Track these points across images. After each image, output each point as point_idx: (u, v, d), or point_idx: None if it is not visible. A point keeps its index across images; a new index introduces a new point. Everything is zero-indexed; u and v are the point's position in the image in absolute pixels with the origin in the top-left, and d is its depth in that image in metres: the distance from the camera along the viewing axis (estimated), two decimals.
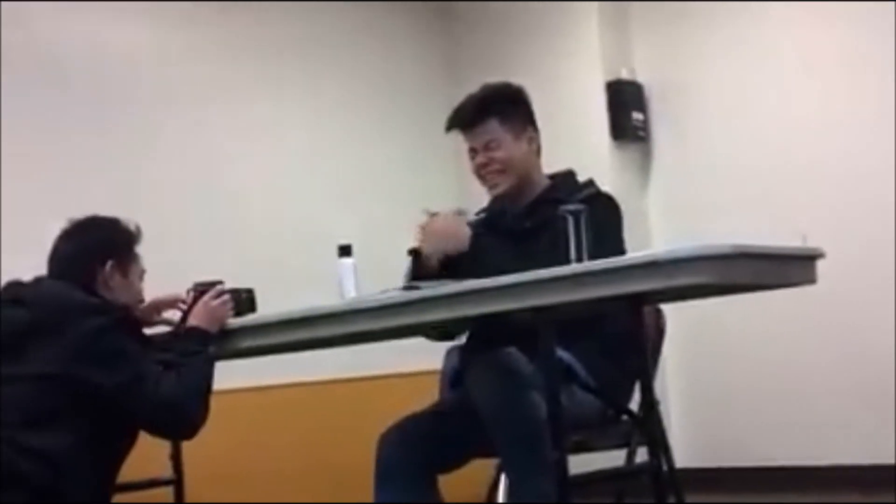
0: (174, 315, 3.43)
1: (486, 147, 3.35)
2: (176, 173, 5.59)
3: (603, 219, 3.12)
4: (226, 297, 3.34)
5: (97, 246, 3.24)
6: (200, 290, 3.35)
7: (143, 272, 3.35)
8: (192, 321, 3.26)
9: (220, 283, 3.39)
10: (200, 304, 3.29)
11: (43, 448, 2.89)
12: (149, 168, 5.49)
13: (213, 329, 3.25)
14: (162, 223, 5.17)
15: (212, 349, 3.20)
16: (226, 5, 5.86)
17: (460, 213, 3.34)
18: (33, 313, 3.04)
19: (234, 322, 3.34)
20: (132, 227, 3.32)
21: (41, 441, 2.89)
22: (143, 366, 3.02)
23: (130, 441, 3.15)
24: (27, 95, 5.16)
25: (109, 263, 3.22)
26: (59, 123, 5.25)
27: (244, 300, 3.45)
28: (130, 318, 3.18)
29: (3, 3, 5.05)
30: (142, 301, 3.37)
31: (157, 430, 3.11)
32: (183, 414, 3.04)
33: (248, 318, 3.34)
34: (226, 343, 3.32)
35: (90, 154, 5.30)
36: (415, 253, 3.23)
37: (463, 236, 3.20)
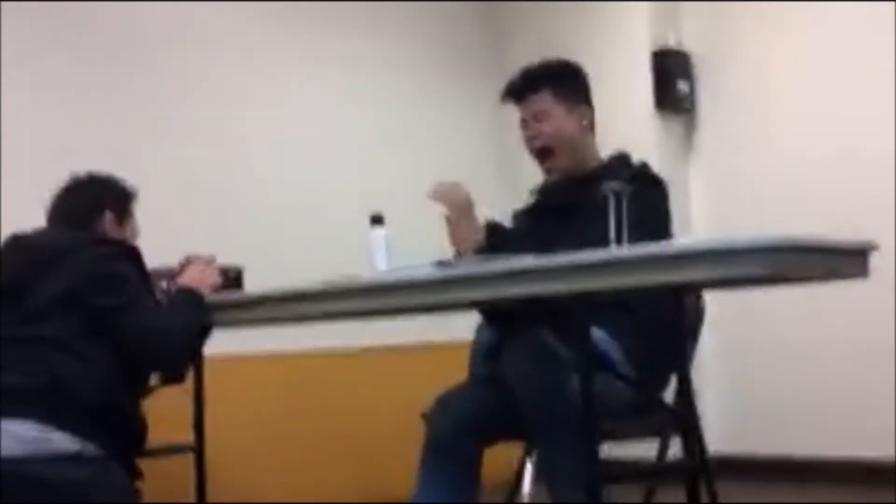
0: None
1: (535, 118, 3.30)
2: (206, 139, 5.48)
3: (649, 200, 3.06)
4: (214, 264, 3.49)
5: (96, 197, 3.37)
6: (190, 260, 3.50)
7: (137, 232, 3.45)
8: (181, 283, 3.38)
9: (212, 257, 3.52)
10: (189, 268, 3.44)
11: (86, 370, 2.94)
12: (192, 141, 5.40)
13: (202, 290, 3.35)
14: (192, 191, 5.19)
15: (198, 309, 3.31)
16: None
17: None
18: (36, 254, 3.13)
19: (261, 291, 3.35)
20: (128, 185, 3.44)
21: (82, 365, 2.95)
22: (142, 293, 3.14)
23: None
24: (72, 59, 5.07)
25: (108, 213, 3.34)
26: (100, 87, 5.16)
27: (231, 277, 3.56)
28: (134, 251, 3.25)
29: None
30: None
31: (142, 354, 3.10)
32: (169, 343, 3.11)
33: (276, 288, 3.27)
34: (247, 311, 3.37)
35: (127, 121, 5.20)
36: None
37: (472, 239, 3.12)
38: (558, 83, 3.31)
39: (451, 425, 3.13)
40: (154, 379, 3.32)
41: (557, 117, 3.28)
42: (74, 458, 2.82)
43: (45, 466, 2.78)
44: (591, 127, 3.36)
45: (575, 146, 3.30)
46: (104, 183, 3.41)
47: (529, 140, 3.33)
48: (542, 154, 3.31)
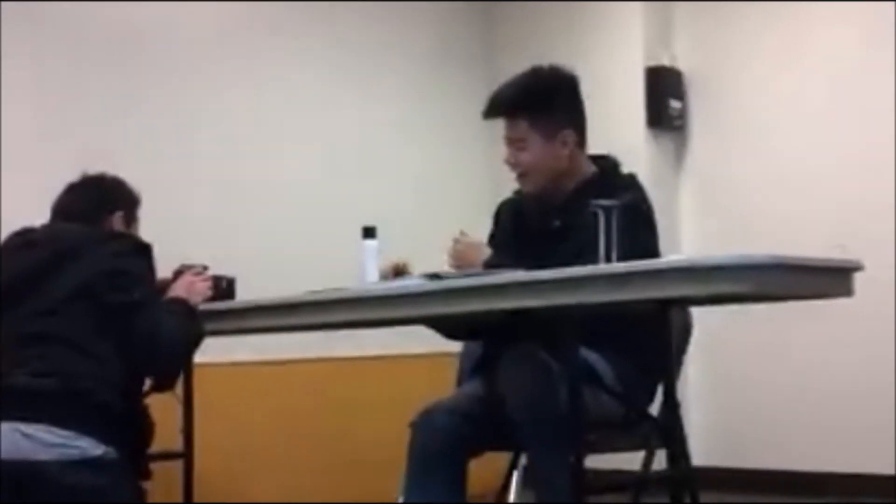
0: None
1: (514, 145, 3.20)
2: (199, 150, 5.46)
3: (637, 225, 2.98)
4: (206, 275, 3.45)
5: (107, 196, 3.35)
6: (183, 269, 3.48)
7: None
8: (173, 293, 3.33)
9: (205, 267, 3.49)
10: (182, 279, 3.39)
11: (101, 372, 2.95)
12: (181, 145, 5.39)
13: (194, 300, 3.32)
14: (186, 201, 5.18)
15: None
16: None
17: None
18: (50, 249, 3.11)
19: (252, 301, 3.36)
20: (135, 190, 3.42)
21: (98, 366, 2.95)
22: (152, 293, 3.14)
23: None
24: (61, 62, 5.07)
25: (118, 213, 3.31)
26: (83, 91, 5.14)
27: (223, 287, 3.52)
28: (147, 247, 3.21)
29: None
30: None
31: (140, 357, 3.07)
32: (169, 351, 3.10)
33: (267, 299, 3.29)
34: (238, 321, 3.38)
35: (116, 124, 5.17)
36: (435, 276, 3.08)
37: (477, 262, 3.10)
38: (536, 111, 3.17)
39: (438, 436, 3.11)
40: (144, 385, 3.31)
41: (535, 147, 3.16)
42: (96, 463, 2.84)
43: (68, 470, 2.81)
44: (578, 144, 3.22)
45: (554, 172, 3.19)
46: (116, 183, 3.38)
47: (508, 163, 3.24)
48: (520, 177, 3.25)
